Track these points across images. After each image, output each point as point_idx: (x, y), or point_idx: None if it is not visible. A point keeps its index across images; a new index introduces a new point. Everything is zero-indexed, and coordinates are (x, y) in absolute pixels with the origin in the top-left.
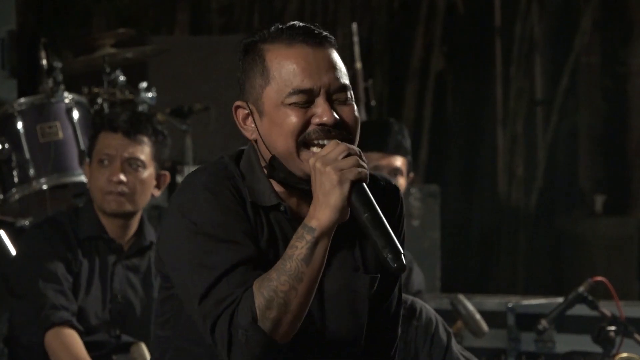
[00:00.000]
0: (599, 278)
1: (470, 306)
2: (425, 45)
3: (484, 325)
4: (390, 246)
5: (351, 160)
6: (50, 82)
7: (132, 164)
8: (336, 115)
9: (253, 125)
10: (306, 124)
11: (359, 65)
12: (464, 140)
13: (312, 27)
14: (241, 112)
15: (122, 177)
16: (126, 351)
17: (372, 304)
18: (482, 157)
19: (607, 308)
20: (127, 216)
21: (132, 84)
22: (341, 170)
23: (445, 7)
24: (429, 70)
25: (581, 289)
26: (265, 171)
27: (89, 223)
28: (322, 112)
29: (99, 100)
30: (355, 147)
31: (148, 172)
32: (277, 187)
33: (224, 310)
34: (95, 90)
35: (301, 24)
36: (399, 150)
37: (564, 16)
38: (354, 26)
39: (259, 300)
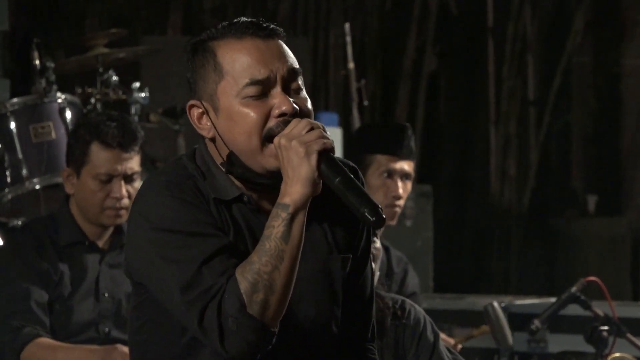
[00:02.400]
0: (592, 278)
1: (501, 315)
2: (418, 45)
3: (510, 338)
4: (366, 202)
5: (315, 132)
6: (43, 82)
7: (131, 177)
8: (295, 105)
9: (209, 124)
10: (266, 117)
11: (351, 65)
12: (456, 140)
13: (259, 20)
14: (195, 111)
15: (124, 193)
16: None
17: (346, 286)
18: (475, 157)
19: (599, 308)
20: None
21: (124, 84)
22: (307, 142)
23: (437, 8)
24: (422, 71)
25: (574, 289)
26: (222, 168)
27: (68, 229)
28: (280, 102)
29: (92, 101)
30: (317, 122)
31: (140, 179)
32: (237, 183)
33: (211, 300)
34: (89, 90)
35: (249, 19)
36: (410, 155)
37: (557, 16)
38: (347, 26)
39: (244, 285)
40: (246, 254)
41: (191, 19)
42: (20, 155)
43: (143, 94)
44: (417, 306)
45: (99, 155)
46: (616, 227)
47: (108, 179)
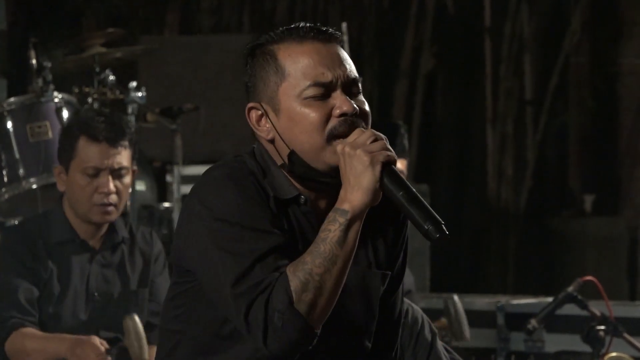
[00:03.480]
0: (589, 278)
1: (461, 310)
2: (415, 45)
3: (467, 332)
4: (430, 218)
5: (380, 143)
6: (40, 82)
7: (118, 173)
8: (355, 106)
9: (268, 125)
10: (327, 117)
11: None
12: (453, 140)
13: (318, 25)
14: (254, 114)
15: (112, 188)
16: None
17: (380, 302)
18: (472, 156)
19: (596, 308)
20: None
21: (121, 83)
22: (371, 152)
23: (435, 7)
24: (419, 70)
25: (571, 288)
26: (282, 168)
27: (59, 227)
28: (341, 103)
29: (89, 100)
30: (380, 134)
31: (129, 175)
32: (295, 184)
33: (259, 294)
34: (86, 89)
35: (306, 24)
36: (403, 154)
37: (554, 16)
38: (344, 26)
39: (295, 283)
40: (297, 254)
41: (188, 18)
42: (17, 155)
43: (140, 94)
44: (414, 305)
45: (86, 150)
46: (613, 226)
47: (95, 173)
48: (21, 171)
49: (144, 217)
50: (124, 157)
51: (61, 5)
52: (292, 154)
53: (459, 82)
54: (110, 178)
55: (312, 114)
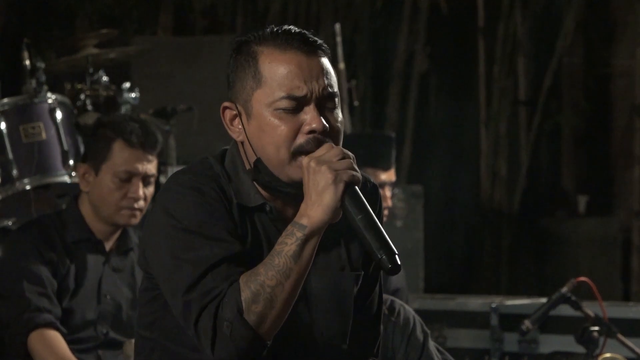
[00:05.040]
0: (582, 278)
1: None
2: (409, 45)
3: None
4: (385, 247)
5: (346, 162)
6: (33, 83)
7: (147, 180)
8: (325, 123)
9: (240, 127)
10: (295, 132)
11: (342, 65)
12: (447, 140)
13: (306, 33)
14: (229, 113)
15: (142, 194)
16: (113, 348)
17: (355, 303)
18: (465, 157)
19: (590, 308)
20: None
21: (115, 84)
22: (336, 170)
23: (428, 8)
24: (412, 71)
25: (564, 289)
26: (249, 173)
27: (76, 226)
28: (311, 120)
29: (82, 97)
30: (349, 152)
31: (154, 184)
32: (261, 190)
33: (210, 302)
34: (78, 86)
35: (296, 30)
36: (394, 163)
37: (547, 17)
38: (337, 27)
39: (246, 294)
40: (258, 262)
41: (181, 19)
42: (10, 156)
43: (133, 95)
44: (406, 306)
45: (122, 153)
46: (607, 227)
47: (127, 178)
48: (15, 172)
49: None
50: (154, 165)
51: (54, 6)
52: (258, 162)
53: (452, 83)
54: (140, 185)
55: (281, 127)
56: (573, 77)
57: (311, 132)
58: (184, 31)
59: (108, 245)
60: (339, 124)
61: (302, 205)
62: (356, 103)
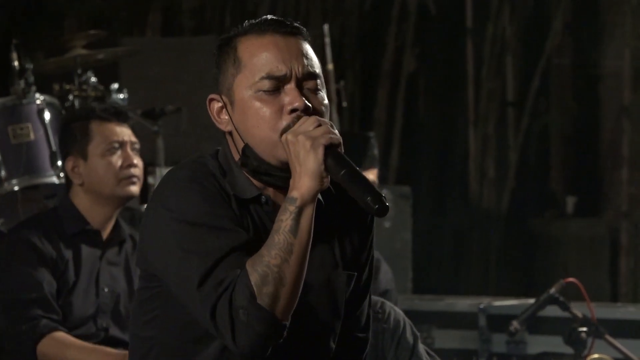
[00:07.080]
0: (571, 279)
1: None
2: (397, 46)
3: None
4: (370, 191)
5: (322, 128)
6: (21, 84)
7: (134, 147)
8: (306, 102)
9: (227, 117)
10: (279, 112)
11: (330, 66)
12: (435, 141)
13: (285, 19)
14: (215, 105)
15: (135, 161)
16: (114, 346)
17: (346, 308)
18: (454, 158)
19: (578, 309)
20: (128, 201)
21: (103, 85)
22: (313, 137)
23: (416, 9)
24: (401, 72)
25: (552, 290)
26: (240, 165)
27: (72, 219)
28: (292, 99)
29: (70, 97)
30: (326, 120)
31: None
32: (254, 181)
33: (222, 293)
34: (67, 87)
35: (273, 17)
36: (373, 163)
37: (536, 17)
38: (326, 28)
39: (254, 277)
40: None
41: (170, 20)
42: None
43: (122, 95)
44: (396, 308)
45: (101, 128)
46: (595, 228)
47: (116, 148)
48: (3, 173)
49: (126, 218)
50: (133, 134)
51: (43, 7)
52: (246, 147)
53: (440, 84)
54: (130, 152)
55: (263, 109)
56: (561, 78)
57: (293, 110)
58: (173, 32)
59: (105, 234)
60: (323, 107)
61: (291, 181)
62: (345, 104)
